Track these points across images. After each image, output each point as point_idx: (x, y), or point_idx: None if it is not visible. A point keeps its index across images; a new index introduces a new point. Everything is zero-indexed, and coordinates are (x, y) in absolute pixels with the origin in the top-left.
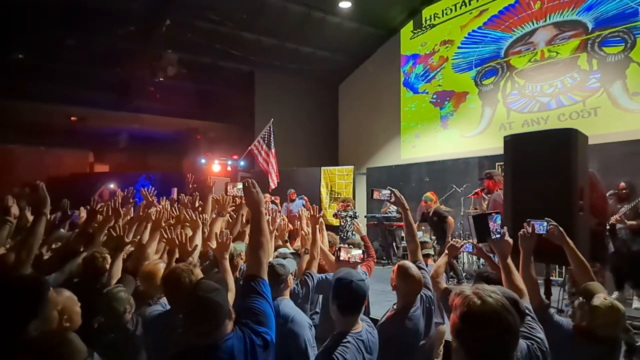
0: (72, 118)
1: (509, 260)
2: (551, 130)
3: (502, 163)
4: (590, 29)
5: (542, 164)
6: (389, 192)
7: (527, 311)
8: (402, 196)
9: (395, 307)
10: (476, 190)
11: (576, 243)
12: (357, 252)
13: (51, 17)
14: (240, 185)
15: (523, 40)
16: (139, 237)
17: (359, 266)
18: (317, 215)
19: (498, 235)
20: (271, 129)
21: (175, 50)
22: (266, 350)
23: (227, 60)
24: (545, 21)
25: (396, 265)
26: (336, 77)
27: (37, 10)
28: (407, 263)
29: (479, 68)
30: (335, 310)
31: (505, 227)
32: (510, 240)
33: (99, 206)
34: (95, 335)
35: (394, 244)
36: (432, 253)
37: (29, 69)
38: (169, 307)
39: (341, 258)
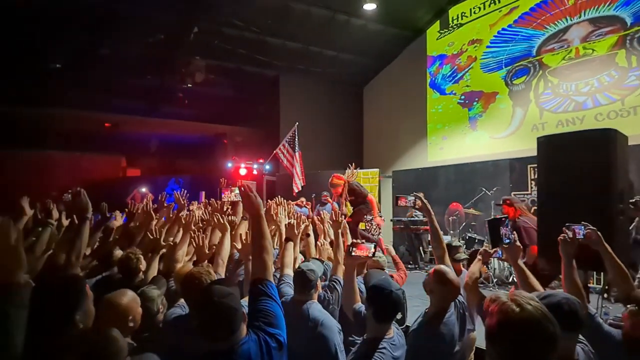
0: (106, 124)
1: (521, 263)
2: (589, 130)
3: (535, 165)
4: (629, 24)
5: (579, 165)
6: (413, 198)
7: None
8: (427, 201)
9: (426, 311)
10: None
11: (615, 248)
12: (369, 247)
13: (86, 28)
14: (237, 191)
15: (556, 38)
16: (171, 239)
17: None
18: (340, 220)
19: (508, 241)
20: (296, 133)
21: (202, 57)
22: (280, 351)
23: (253, 65)
24: (579, 17)
25: (432, 269)
26: (360, 80)
27: (73, 21)
28: (445, 268)
29: (509, 67)
30: (370, 317)
31: (515, 233)
32: (520, 246)
33: (135, 209)
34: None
35: (421, 248)
36: (464, 257)
37: (66, 78)
38: (187, 309)
39: (353, 254)
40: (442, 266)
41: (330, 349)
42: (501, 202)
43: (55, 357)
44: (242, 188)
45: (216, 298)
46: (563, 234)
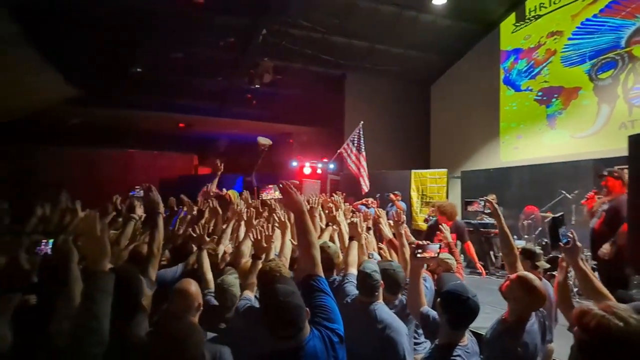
0: (180, 124)
1: (583, 265)
2: None
3: (624, 166)
4: None
5: None
6: (484, 202)
7: None
8: (497, 206)
9: (505, 318)
10: (588, 196)
11: None
12: (434, 248)
13: (163, 34)
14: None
15: None
16: (235, 235)
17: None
18: (402, 220)
19: (566, 240)
20: (360, 132)
21: (270, 58)
22: (342, 344)
23: (318, 65)
24: None
25: (515, 275)
26: (428, 77)
27: (152, 29)
28: (531, 275)
29: (594, 61)
30: (445, 323)
31: (572, 232)
32: (580, 245)
33: (205, 206)
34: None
35: (491, 252)
36: (548, 266)
37: (145, 81)
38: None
39: (419, 255)
40: (527, 273)
41: (399, 352)
42: (605, 173)
43: (135, 341)
44: (282, 184)
45: (282, 298)
46: None
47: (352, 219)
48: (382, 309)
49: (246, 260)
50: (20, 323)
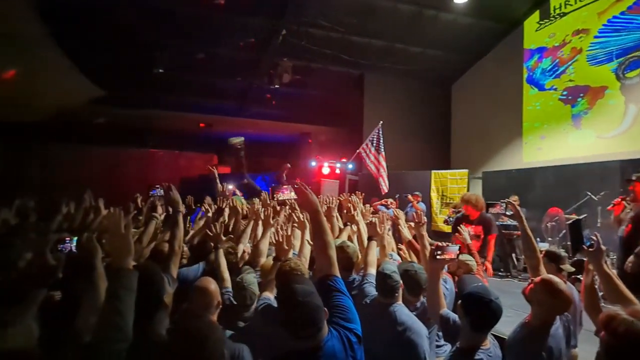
0: (201, 124)
1: (607, 269)
2: None
3: None
4: None
5: None
6: (505, 204)
7: None
8: (519, 209)
9: (528, 322)
10: (614, 202)
11: None
12: (454, 249)
13: (184, 34)
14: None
15: None
16: (253, 234)
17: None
18: (424, 221)
19: (589, 243)
20: (380, 132)
21: (289, 58)
22: (360, 344)
23: (338, 65)
24: None
25: (539, 278)
26: (449, 77)
27: (175, 30)
28: (556, 278)
29: (621, 59)
30: (467, 326)
31: (596, 235)
32: (604, 249)
33: (225, 204)
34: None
35: (513, 255)
36: (573, 269)
37: (166, 82)
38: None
39: (438, 257)
40: (552, 276)
41: (419, 355)
42: (634, 178)
43: (156, 339)
44: (296, 184)
45: (300, 298)
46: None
47: (371, 219)
48: (401, 311)
49: (265, 260)
50: (46, 318)
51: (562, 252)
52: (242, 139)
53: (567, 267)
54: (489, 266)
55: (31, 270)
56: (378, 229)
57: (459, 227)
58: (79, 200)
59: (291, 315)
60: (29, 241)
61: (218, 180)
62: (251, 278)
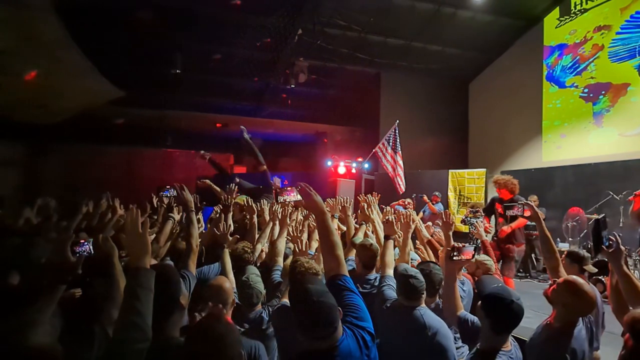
0: (218, 124)
1: (626, 269)
2: None
3: None
4: None
5: None
6: (522, 205)
7: None
8: (537, 209)
9: (550, 324)
10: (636, 193)
11: None
12: (470, 250)
13: (201, 35)
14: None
15: None
16: (270, 234)
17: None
18: (451, 221)
19: (608, 244)
20: (396, 131)
21: (305, 58)
22: (374, 343)
23: (354, 64)
24: None
25: (562, 279)
26: (466, 75)
27: (192, 30)
28: (580, 279)
29: None
30: (487, 327)
31: (615, 235)
32: (623, 249)
33: (230, 201)
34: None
35: (533, 255)
36: (591, 270)
37: (183, 82)
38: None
39: (455, 258)
40: (575, 277)
41: (449, 359)
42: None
43: (172, 340)
44: (300, 186)
45: (315, 298)
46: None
47: (388, 217)
48: (428, 315)
49: (284, 259)
50: (69, 317)
51: (585, 253)
52: (203, 152)
53: (590, 267)
54: (507, 230)
55: (51, 267)
56: (394, 228)
57: (475, 222)
58: (98, 200)
59: (306, 315)
60: (50, 239)
61: (214, 188)
62: (255, 277)
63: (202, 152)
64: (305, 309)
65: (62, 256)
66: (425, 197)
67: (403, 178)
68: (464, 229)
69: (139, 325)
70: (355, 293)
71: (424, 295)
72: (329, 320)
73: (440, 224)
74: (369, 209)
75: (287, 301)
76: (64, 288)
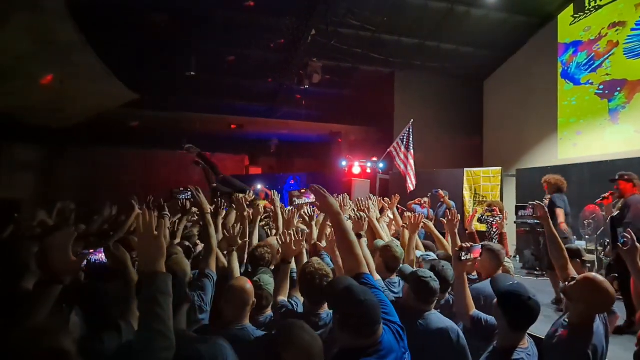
0: (232, 126)
1: None
2: None
3: None
4: None
5: None
6: (532, 207)
7: None
8: (546, 210)
9: (568, 321)
10: (604, 196)
11: None
12: (478, 247)
13: (215, 37)
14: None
15: None
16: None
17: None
18: (456, 220)
19: (623, 240)
20: (410, 131)
21: (319, 58)
22: (405, 335)
23: (368, 64)
24: None
25: (583, 276)
26: (480, 73)
27: (208, 33)
28: (599, 276)
29: None
30: (505, 325)
31: (630, 232)
32: (639, 246)
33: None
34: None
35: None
36: (590, 259)
37: (198, 84)
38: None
39: (463, 258)
40: (595, 274)
41: (467, 355)
42: (616, 177)
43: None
44: (314, 188)
45: (362, 297)
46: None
47: (352, 215)
48: (442, 318)
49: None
50: (85, 319)
51: (578, 247)
52: (192, 146)
53: (588, 256)
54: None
55: (49, 266)
56: (363, 226)
57: (492, 222)
58: (115, 202)
59: (355, 315)
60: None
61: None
62: (267, 278)
63: (187, 145)
64: (352, 308)
65: (62, 256)
66: (441, 192)
67: (413, 177)
68: (481, 227)
69: (164, 333)
70: (379, 290)
71: (436, 299)
72: (376, 317)
73: (445, 222)
74: (389, 209)
75: (284, 299)
76: (60, 288)
